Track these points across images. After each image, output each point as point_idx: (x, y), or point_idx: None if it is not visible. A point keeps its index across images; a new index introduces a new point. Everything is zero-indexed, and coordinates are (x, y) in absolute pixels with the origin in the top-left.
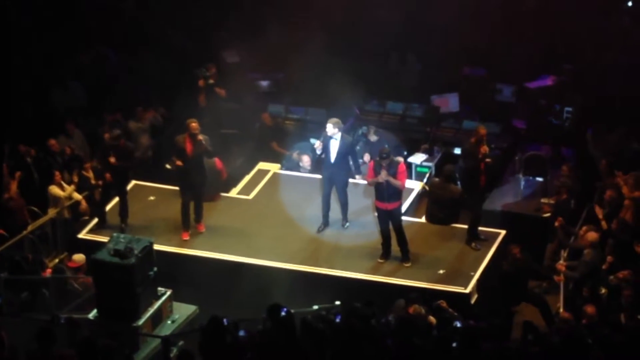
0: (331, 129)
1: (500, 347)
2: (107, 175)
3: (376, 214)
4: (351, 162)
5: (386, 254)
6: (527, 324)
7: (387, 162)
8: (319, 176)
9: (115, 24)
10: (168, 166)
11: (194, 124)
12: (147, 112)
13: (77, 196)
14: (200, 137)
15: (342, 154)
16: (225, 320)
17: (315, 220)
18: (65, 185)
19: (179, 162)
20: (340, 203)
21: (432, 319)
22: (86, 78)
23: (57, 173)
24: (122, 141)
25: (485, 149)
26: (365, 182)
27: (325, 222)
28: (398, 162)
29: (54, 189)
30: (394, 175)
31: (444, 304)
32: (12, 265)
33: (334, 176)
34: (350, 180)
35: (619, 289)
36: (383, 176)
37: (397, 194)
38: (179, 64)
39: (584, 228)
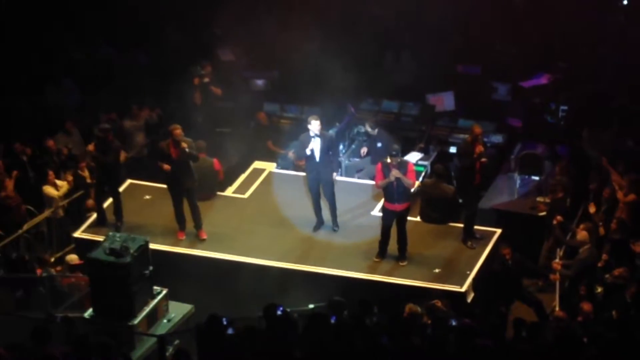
0: (317, 126)
1: (494, 345)
2: (91, 181)
3: (380, 213)
4: (337, 157)
5: (382, 253)
6: (518, 321)
7: (397, 161)
8: None
9: (110, 21)
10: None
11: (177, 131)
12: (142, 110)
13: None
14: (184, 144)
15: (325, 150)
16: (224, 319)
17: (310, 219)
18: (60, 183)
19: (167, 167)
20: (329, 204)
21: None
22: (80, 75)
23: (50, 173)
24: (109, 136)
25: (480, 148)
26: (368, 182)
27: (320, 221)
28: (407, 162)
29: (48, 189)
30: (404, 175)
31: (438, 303)
32: (8, 264)
33: (321, 175)
34: (351, 180)
35: (614, 287)
36: (395, 174)
37: (407, 194)
38: (174, 62)
39: (582, 226)
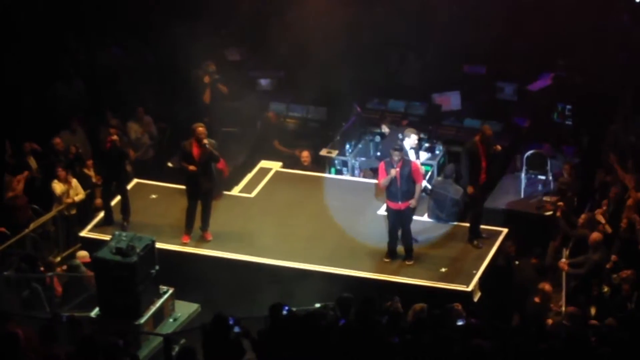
0: (415, 140)
1: (492, 346)
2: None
3: (385, 212)
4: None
5: (392, 253)
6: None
7: (400, 156)
8: (319, 174)
9: (115, 20)
10: (170, 164)
11: (201, 129)
12: (147, 115)
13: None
14: (206, 141)
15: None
16: (231, 319)
17: (317, 218)
18: (72, 179)
19: (192, 167)
20: None
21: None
22: (85, 76)
23: (59, 169)
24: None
25: (498, 147)
26: (374, 181)
27: None
28: (410, 161)
29: (54, 184)
30: (409, 174)
31: (459, 306)
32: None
33: None
34: (358, 179)
35: (621, 287)
36: (392, 173)
37: (410, 193)
38: (179, 62)
39: (583, 216)
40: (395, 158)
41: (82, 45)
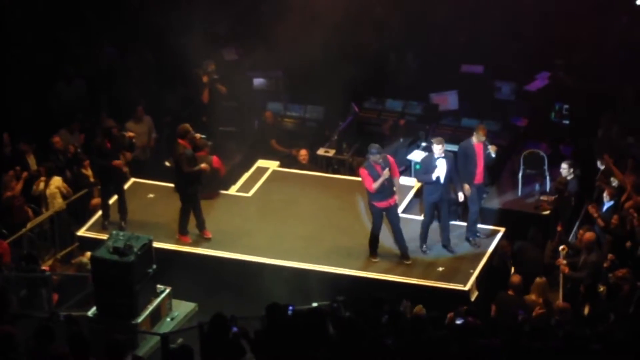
0: (441, 149)
1: (498, 344)
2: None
3: (371, 213)
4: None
5: (375, 251)
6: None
7: (381, 158)
8: (317, 173)
9: (114, 20)
10: (167, 163)
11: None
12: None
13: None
14: (197, 135)
15: (449, 170)
16: (233, 320)
17: (314, 217)
18: (56, 179)
19: (204, 166)
20: (444, 221)
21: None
22: (85, 75)
23: (41, 170)
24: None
25: (494, 148)
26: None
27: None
28: (387, 157)
29: (36, 184)
30: (391, 170)
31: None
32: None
33: (443, 195)
34: (355, 178)
35: (617, 287)
36: (386, 174)
37: (393, 188)
38: (177, 62)
39: (581, 232)
40: (380, 160)
41: (82, 45)
